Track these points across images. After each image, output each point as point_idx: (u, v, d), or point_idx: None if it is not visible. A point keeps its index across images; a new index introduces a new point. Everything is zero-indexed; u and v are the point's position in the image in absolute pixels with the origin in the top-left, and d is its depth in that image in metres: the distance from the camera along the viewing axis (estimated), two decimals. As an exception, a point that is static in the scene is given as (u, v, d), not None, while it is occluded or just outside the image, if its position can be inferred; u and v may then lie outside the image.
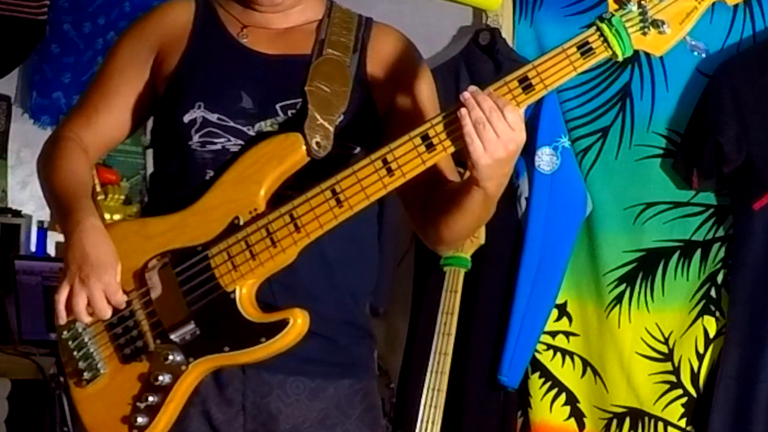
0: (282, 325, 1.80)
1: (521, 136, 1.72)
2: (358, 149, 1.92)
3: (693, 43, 1.75)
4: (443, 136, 1.75)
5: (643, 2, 1.71)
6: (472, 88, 1.73)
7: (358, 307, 1.98)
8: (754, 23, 3.17)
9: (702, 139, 3.11)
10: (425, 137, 1.76)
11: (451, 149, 1.76)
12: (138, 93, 2.00)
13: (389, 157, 1.77)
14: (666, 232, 3.28)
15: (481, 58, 3.47)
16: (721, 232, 3.22)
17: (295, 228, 1.80)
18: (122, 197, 3.91)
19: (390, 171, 1.77)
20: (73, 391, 1.93)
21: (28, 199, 4.25)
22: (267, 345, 1.81)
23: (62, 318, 1.87)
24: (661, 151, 3.29)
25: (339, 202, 1.79)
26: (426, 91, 2.01)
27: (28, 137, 4.26)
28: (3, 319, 3.74)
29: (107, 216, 3.43)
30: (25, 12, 4.04)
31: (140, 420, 1.85)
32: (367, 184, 1.78)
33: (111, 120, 2.02)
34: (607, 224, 3.36)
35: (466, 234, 1.95)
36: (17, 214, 4.07)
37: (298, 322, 1.80)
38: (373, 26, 2.02)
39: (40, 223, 4.09)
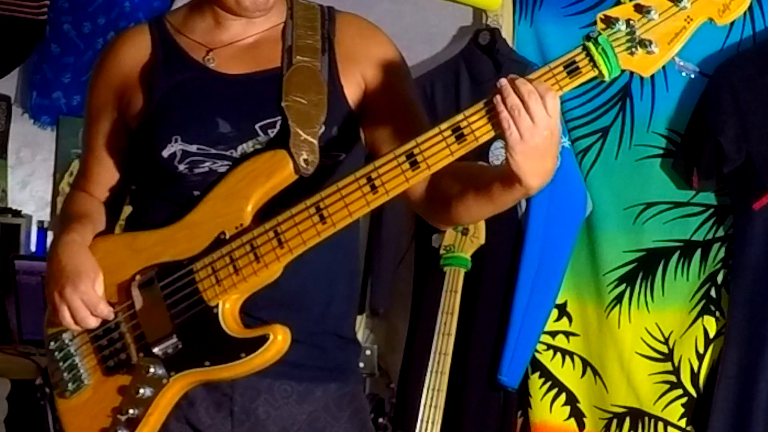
0: (262, 340, 1.80)
1: (556, 123, 1.67)
2: (342, 155, 1.91)
3: (681, 63, 1.73)
4: (427, 153, 1.72)
5: (631, 21, 1.67)
6: (512, 76, 1.69)
7: (343, 318, 1.98)
8: (754, 23, 3.17)
9: (702, 139, 3.11)
10: (410, 155, 1.73)
11: (436, 167, 1.73)
12: (118, 137, 2.01)
13: (373, 175, 1.75)
14: (666, 232, 3.28)
15: (481, 58, 3.47)
16: (721, 232, 3.21)
17: (279, 243, 1.79)
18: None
19: (374, 188, 1.75)
20: (58, 402, 1.94)
21: (28, 199, 4.25)
22: (247, 361, 1.80)
23: (75, 328, 1.89)
24: (661, 151, 3.29)
25: (323, 218, 1.77)
26: (396, 75, 1.96)
27: (28, 137, 4.26)
28: (3, 319, 3.74)
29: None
30: (25, 12, 4.04)
31: None
32: (350, 200, 1.76)
33: (105, 171, 2.04)
34: (607, 224, 3.36)
35: (483, 219, 1.92)
36: (17, 214, 4.08)
37: (279, 338, 1.79)
38: (337, 18, 1.98)
39: (40, 223, 4.10)
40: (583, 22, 3.38)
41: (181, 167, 1.89)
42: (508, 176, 1.71)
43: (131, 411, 1.85)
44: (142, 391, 1.84)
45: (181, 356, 1.84)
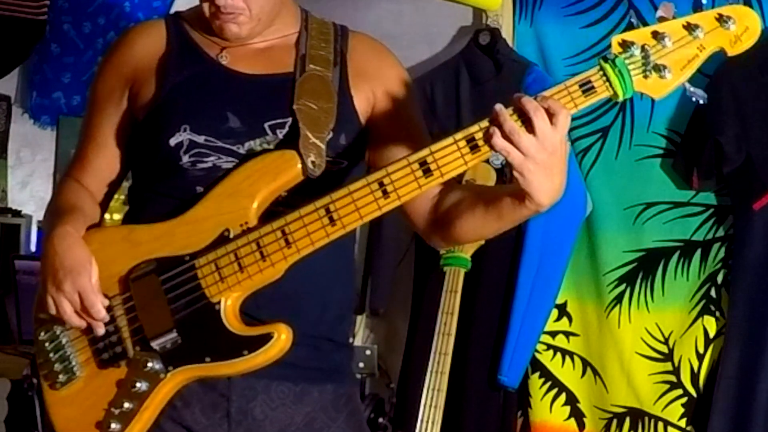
0: (266, 338, 1.80)
1: (561, 140, 1.69)
2: (345, 163, 1.93)
3: (692, 90, 1.78)
4: (441, 162, 1.74)
5: (646, 46, 1.72)
6: (517, 95, 1.71)
7: (338, 323, 1.99)
8: (754, 23, 3.17)
9: (702, 139, 3.11)
10: (423, 162, 1.75)
11: (449, 175, 1.76)
12: (123, 126, 2.01)
13: (386, 180, 1.76)
14: (666, 232, 3.28)
15: (481, 58, 3.47)
16: (721, 232, 3.21)
17: (286, 243, 1.79)
18: (122, 197, 3.93)
19: (386, 193, 1.77)
20: (46, 393, 1.93)
21: (28, 199, 4.25)
22: (249, 358, 1.80)
23: (78, 323, 1.87)
24: (661, 151, 3.29)
25: (332, 220, 1.78)
26: (405, 96, 2.01)
27: (28, 137, 4.27)
28: (3, 319, 3.75)
29: (107, 216, 3.42)
30: (25, 12, 4.04)
31: (114, 426, 1.85)
32: (362, 204, 1.77)
33: (104, 160, 2.03)
34: (607, 224, 3.36)
35: (486, 237, 1.94)
36: (17, 214, 4.08)
37: (282, 337, 1.80)
38: (350, 36, 2.03)
39: (40, 223, 4.09)
40: (582, 22, 3.38)
41: (185, 159, 1.89)
42: (519, 193, 1.73)
43: (126, 405, 1.84)
44: (138, 385, 1.84)
45: (179, 351, 1.83)
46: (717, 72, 3.12)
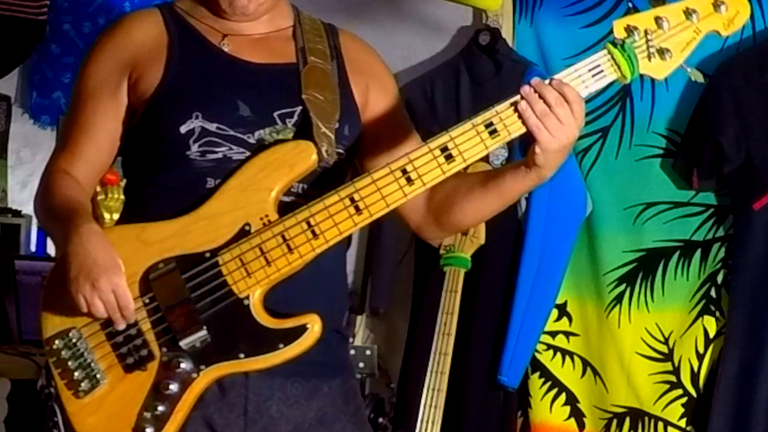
0: (300, 331, 1.82)
1: (581, 125, 1.80)
2: (345, 156, 1.95)
3: (690, 70, 1.87)
4: (463, 147, 1.80)
5: (648, 31, 1.80)
6: (536, 80, 1.79)
7: (341, 316, 2.03)
8: (754, 23, 3.17)
9: (702, 139, 3.11)
10: (444, 149, 1.80)
11: (471, 159, 1.80)
12: (116, 115, 1.96)
13: (408, 168, 1.81)
14: (666, 232, 3.28)
15: (481, 58, 3.47)
16: (721, 232, 3.21)
17: (313, 235, 1.81)
18: (122, 197, 3.92)
19: (410, 180, 1.81)
20: (68, 401, 1.88)
21: (28, 199, 4.23)
22: (285, 351, 1.82)
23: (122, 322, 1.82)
24: (661, 151, 3.29)
25: (358, 209, 1.81)
26: (394, 92, 2.07)
27: (28, 137, 4.26)
28: (3, 319, 3.74)
29: (107, 216, 3.42)
30: (25, 12, 4.03)
31: (148, 430, 1.83)
32: (387, 192, 1.81)
33: (95, 149, 1.97)
34: (607, 224, 3.36)
35: (487, 217, 1.99)
36: (17, 214, 4.07)
37: (315, 328, 1.82)
38: (339, 33, 2.06)
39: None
40: (582, 22, 3.38)
41: (194, 149, 1.88)
42: (525, 167, 1.82)
43: (159, 408, 1.82)
44: (171, 387, 1.82)
45: (210, 350, 1.82)
46: (717, 72, 3.13)
